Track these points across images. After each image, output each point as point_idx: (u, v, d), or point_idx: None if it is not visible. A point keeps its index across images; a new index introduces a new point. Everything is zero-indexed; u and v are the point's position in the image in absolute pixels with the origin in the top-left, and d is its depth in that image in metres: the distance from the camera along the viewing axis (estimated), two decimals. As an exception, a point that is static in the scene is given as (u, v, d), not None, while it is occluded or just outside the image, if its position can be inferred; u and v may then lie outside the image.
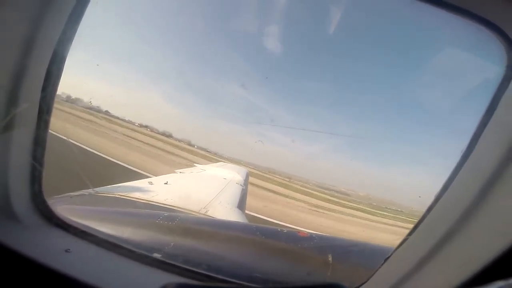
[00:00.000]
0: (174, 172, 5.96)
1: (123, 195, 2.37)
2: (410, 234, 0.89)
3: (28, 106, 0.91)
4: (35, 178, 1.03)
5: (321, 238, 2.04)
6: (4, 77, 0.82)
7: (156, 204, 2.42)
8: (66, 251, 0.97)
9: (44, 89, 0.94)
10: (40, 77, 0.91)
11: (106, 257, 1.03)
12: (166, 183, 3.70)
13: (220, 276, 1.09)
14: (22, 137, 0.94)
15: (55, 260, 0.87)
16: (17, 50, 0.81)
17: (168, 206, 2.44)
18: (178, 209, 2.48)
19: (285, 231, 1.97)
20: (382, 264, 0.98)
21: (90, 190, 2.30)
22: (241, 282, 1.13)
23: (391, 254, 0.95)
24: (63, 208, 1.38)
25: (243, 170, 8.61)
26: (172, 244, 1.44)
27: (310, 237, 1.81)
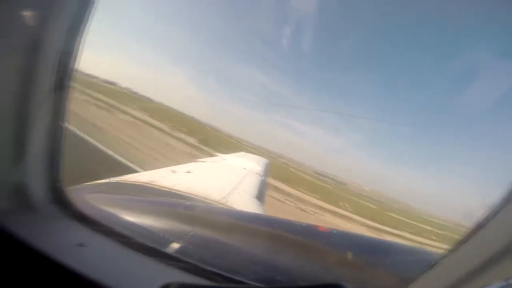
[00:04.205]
0: (196, 161, 6.10)
1: (147, 183, 2.45)
2: (464, 241, 0.78)
3: (45, 91, 0.88)
4: (54, 165, 1.00)
5: (342, 234, 1.96)
6: (19, 58, 0.79)
7: (178, 193, 2.47)
8: (80, 245, 0.93)
9: (61, 71, 0.90)
10: (55, 60, 0.87)
11: (120, 253, 0.99)
12: (188, 172, 3.78)
13: (232, 276, 1.05)
14: (40, 123, 0.92)
15: (66, 255, 0.84)
16: (31, 30, 0.78)
17: (189, 195, 2.49)
18: (199, 198, 2.52)
19: (304, 224, 1.92)
20: (425, 272, 0.87)
21: (116, 178, 2.40)
22: (255, 283, 1.07)
23: (438, 262, 0.84)
24: (83, 197, 1.39)
25: (263, 160, 8.57)
26: (191, 233, 1.46)
27: (330, 233, 1.74)
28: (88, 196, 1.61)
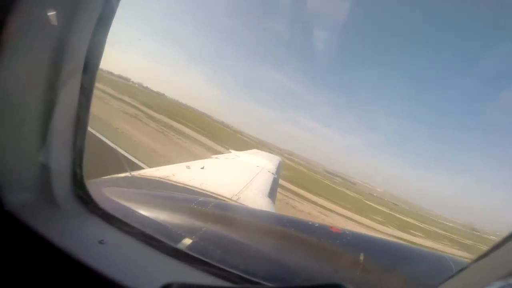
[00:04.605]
0: (210, 158, 6.19)
1: (162, 178, 2.52)
2: (494, 248, 0.73)
3: (69, 86, 0.90)
4: (77, 161, 1.00)
5: (354, 235, 1.93)
6: (44, 55, 0.81)
7: (192, 188, 2.52)
8: (100, 242, 0.92)
9: (85, 68, 0.92)
10: (81, 55, 0.89)
11: (138, 250, 0.98)
12: (202, 168, 3.84)
13: (243, 274, 1.04)
14: (64, 118, 0.93)
15: (87, 252, 0.84)
16: (57, 28, 0.80)
17: (203, 191, 2.54)
18: (212, 194, 2.56)
19: (317, 225, 1.90)
20: (450, 278, 0.82)
21: (134, 173, 2.49)
22: (265, 282, 1.05)
23: (466, 268, 0.77)
24: (102, 192, 1.41)
25: (276, 158, 8.57)
26: (203, 229, 1.49)
27: (343, 234, 1.72)
28: (107, 190, 1.67)
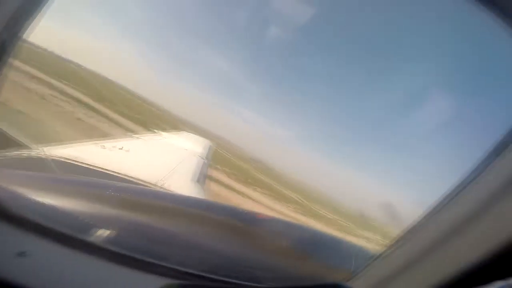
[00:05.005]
0: (131, 137, 5.58)
1: (72, 160, 2.14)
2: (404, 237, 0.88)
3: None
4: None
5: (278, 222, 2.16)
6: None
7: (109, 172, 2.25)
8: (20, 255, 0.76)
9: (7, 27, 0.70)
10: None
11: (63, 256, 0.85)
12: (121, 149, 3.46)
13: (177, 267, 1.02)
14: None
15: (6, 270, 0.70)
16: None
17: (122, 176, 2.30)
18: (133, 179, 2.36)
19: (245, 211, 2.03)
20: (367, 265, 0.97)
21: (33, 152, 2.00)
22: (197, 272, 1.05)
23: (380, 256, 0.93)
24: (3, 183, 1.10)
25: (206, 142, 8.42)
26: (124, 220, 1.36)
27: (268, 220, 1.90)
28: (3, 175, 1.30)
